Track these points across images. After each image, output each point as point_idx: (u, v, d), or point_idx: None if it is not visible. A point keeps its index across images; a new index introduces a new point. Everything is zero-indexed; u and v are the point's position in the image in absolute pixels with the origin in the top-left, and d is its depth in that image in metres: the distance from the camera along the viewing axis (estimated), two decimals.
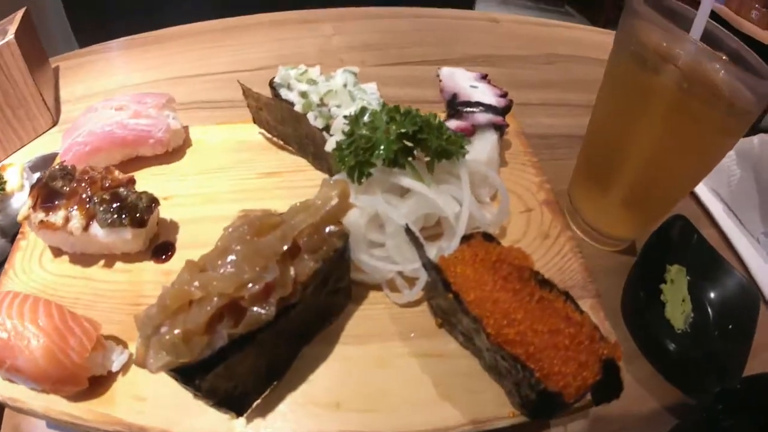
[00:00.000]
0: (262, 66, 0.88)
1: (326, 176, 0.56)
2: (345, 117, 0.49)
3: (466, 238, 0.45)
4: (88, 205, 0.45)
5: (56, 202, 0.46)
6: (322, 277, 0.40)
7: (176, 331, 0.33)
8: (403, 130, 0.45)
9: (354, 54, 0.91)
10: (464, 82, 0.67)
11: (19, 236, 0.53)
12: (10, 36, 0.78)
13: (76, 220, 0.45)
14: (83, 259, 0.50)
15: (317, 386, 0.42)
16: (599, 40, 1.00)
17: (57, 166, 0.49)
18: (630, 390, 0.43)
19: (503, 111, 0.62)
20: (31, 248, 0.51)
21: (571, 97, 0.86)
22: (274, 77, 0.61)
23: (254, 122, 0.60)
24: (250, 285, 0.35)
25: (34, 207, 0.46)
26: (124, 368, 0.42)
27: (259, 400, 0.41)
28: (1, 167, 0.65)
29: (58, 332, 0.38)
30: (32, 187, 0.48)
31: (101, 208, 0.44)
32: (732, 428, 0.47)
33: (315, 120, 0.53)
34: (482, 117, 0.60)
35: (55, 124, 0.89)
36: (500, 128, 0.60)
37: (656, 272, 0.62)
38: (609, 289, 0.58)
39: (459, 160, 0.48)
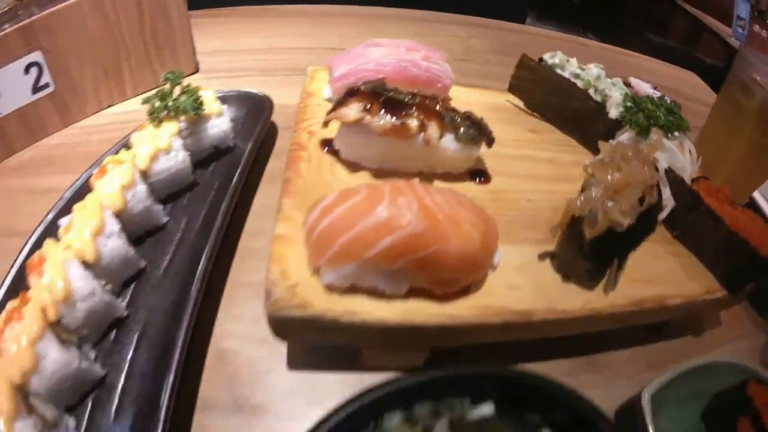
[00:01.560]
0: None
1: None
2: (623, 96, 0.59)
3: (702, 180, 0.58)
4: (442, 118, 0.46)
5: (402, 110, 0.46)
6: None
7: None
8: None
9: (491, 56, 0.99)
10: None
11: (293, 147, 0.51)
12: None
13: (433, 131, 0.45)
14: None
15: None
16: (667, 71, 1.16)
17: (370, 84, 0.49)
18: None
19: None
20: (317, 162, 0.50)
21: None
22: (542, 56, 0.67)
23: (509, 90, 0.65)
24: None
25: (365, 105, 0.46)
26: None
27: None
28: (197, 87, 0.62)
29: (483, 220, 0.38)
30: (353, 92, 0.48)
31: (466, 124, 0.46)
32: None
33: (595, 95, 0.61)
34: None
35: (196, 71, 0.86)
36: None
37: None
38: None
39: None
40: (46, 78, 0.70)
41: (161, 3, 0.76)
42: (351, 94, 0.48)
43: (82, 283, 0.44)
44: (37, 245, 0.50)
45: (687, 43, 2.35)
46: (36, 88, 0.70)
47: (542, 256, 0.45)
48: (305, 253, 0.40)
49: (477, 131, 0.47)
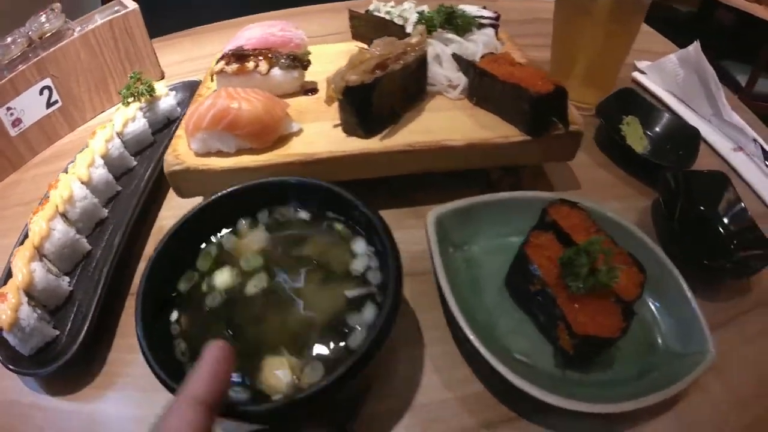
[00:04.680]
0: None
1: None
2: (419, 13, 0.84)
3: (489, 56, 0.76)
4: (271, 58, 0.75)
5: (246, 59, 0.76)
6: (416, 65, 0.70)
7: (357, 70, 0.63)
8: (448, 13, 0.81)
9: None
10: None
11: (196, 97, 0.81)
12: (135, 5, 1.08)
13: (263, 66, 0.75)
14: None
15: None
16: None
17: (232, 50, 0.79)
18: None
19: (496, 18, 0.95)
20: None
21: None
22: (369, 8, 0.94)
23: (353, 38, 0.91)
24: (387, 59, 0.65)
25: (227, 62, 0.76)
26: (296, 133, 0.70)
27: (384, 132, 0.68)
28: (149, 79, 0.94)
29: (268, 98, 0.67)
30: (222, 56, 0.78)
31: (282, 59, 0.75)
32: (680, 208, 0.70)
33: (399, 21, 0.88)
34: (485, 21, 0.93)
35: (163, 77, 1.19)
36: (495, 26, 0.92)
37: (616, 120, 0.90)
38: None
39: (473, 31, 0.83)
40: (55, 96, 1.01)
41: (129, 34, 1.08)
42: (221, 58, 0.78)
43: (80, 191, 0.73)
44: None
45: None
46: (49, 104, 1.01)
47: (335, 125, 0.70)
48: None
49: (292, 61, 0.75)
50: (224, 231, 0.56)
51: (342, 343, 0.47)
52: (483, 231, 0.66)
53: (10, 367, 0.60)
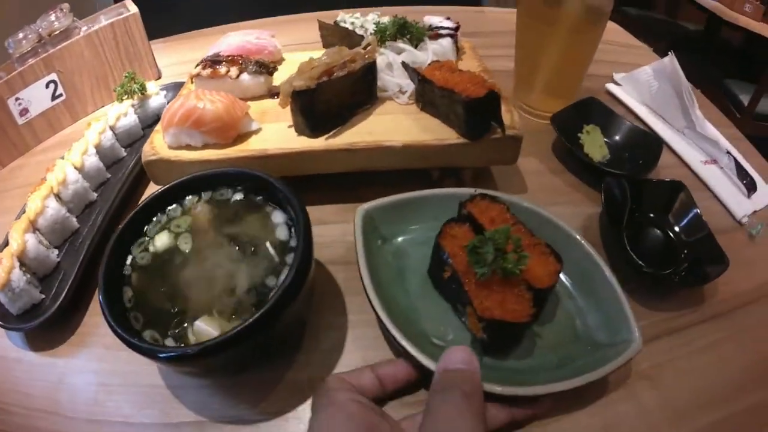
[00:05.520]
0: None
1: None
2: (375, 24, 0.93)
3: (434, 63, 0.82)
4: (241, 64, 0.85)
5: (220, 65, 0.86)
6: (363, 72, 0.78)
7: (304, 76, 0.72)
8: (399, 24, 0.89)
9: None
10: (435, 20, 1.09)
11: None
12: (135, 10, 1.17)
13: (234, 71, 0.85)
14: None
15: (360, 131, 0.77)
16: None
17: (213, 56, 0.89)
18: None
19: (455, 28, 1.02)
20: None
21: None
22: (336, 19, 1.03)
23: (323, 46, 1.01)
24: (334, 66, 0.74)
25: (203, 67, 0.86)
26: (256, 131, 0.79)
27: (331, 133, 0.76)
28: (142, 78, 1.04)
29: (230, 100, 0.77)
30: (201, 61, 0.88)
31: (251, 65, 0.85)
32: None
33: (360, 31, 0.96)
34: (443, 31, 0.99)
35: (160, 77, 1.29)
36: (453, 36, 0.99)
37: (575, 128, 0.91)
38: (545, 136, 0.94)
39: (425, 41, 0.90)
40: (60, 90, 1.09)
41: (130, 35, 1.18)
42: (199, 63, 0.89)
43: (73, 175, 0.82)
44: None
45: None
46: (54, 97, 1.09)
47: (288, 126, 0.78)
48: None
49: (259, 68, 0.85)
50: (174, 205, 0.66)
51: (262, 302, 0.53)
52: (411, 225, 0.70)
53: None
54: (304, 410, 0.58)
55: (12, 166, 1.11)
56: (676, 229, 0.73)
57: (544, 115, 0.98)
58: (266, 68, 0.85)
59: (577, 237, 0.63)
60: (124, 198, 0.88)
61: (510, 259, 0.52)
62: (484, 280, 0.53)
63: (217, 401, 0.60)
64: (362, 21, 1.00)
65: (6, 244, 0.78)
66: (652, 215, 0.74)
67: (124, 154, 1.00)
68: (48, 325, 0.68)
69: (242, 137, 0.78)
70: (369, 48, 0.78)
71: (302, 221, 0.57)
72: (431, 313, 0.62)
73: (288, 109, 0.78)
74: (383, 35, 0.89)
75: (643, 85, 1.03)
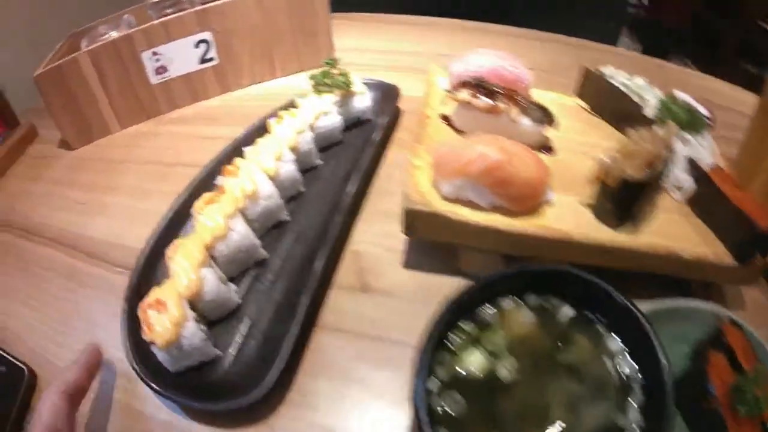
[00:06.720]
0: None
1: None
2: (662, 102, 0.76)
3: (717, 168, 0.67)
4: (520, 102, 0.66)
5: (495, 97, 0.66)
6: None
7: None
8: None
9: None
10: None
11: (422, 117, 0.70)
12: None
13: (514, 112, 0.66)
14: None
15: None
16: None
17: (475, 78, 0.70)
18: None
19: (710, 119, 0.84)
20: (438, 127, 0.70)
21: None
22: (597, 68, 0.84)
23: (578, 95, 0.83)
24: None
25: (473, 94, 0.66)
26: (548, 201, 0.60)
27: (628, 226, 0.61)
28: (348, 71, 0.81)
29: (538, 160, 0.59)
30: (463, 83, 0.68)
31: (533, 108, 0.66)
32: None
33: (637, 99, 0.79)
34: None
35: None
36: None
37: None
38: None
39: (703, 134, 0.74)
40: (212, 53, 0.90)
41: (309, 3, 0.94)
42: (463, 84, 0.68)
43: (267, 188, 0.63)
44: (210, 172, 0.70)
45: None
46: (203, 60, 0.90)
47: (583, 204, 0.63)
48: (430, 175, 0.59)
49: (543, 114, 0.67)
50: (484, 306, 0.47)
51: None
52: None
53: (153, 386, 0.49)
54: None
55: (139, 128, 0.89)
56: None
57: None
58: (549, 117, 0.67)
59: None
60: (339, 232, 0.66)
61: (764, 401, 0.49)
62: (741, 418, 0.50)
63: None
64: (635, 85, 0.83)
65: (149, 260, 0.61)
66: None
67: (320, 161, 0.78)
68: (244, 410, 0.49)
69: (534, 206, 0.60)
70: (668, 137, 0.62)
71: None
72: None
73: (574, 179, 0.61)
74: (678, 122, 0.73)
75: None
